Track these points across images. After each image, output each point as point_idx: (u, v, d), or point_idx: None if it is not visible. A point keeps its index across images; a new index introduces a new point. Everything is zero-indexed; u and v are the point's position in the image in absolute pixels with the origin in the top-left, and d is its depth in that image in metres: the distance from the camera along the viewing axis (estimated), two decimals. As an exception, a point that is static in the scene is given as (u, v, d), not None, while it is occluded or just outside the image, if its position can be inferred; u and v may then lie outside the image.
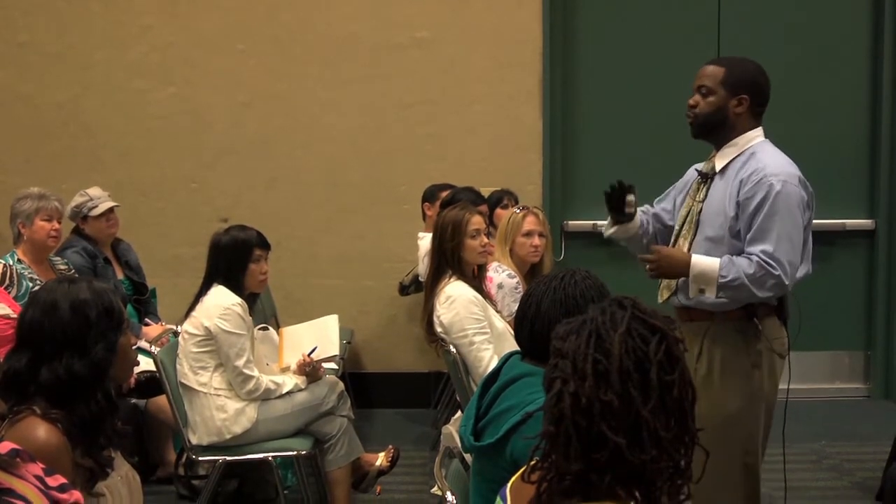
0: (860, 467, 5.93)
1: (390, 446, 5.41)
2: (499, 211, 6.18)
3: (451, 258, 4.92)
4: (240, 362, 4.71)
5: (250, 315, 4.86)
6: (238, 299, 4.75)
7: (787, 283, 3.77)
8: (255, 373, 4.76)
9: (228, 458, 4.81)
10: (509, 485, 2.11)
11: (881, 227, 7.38)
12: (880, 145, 7.33)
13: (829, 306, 7.47)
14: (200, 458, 4.89)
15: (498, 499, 2.12)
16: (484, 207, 5.81)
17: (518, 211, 5.45)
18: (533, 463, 1.97)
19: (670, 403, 1.89)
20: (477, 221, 5.02)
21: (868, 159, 7.43)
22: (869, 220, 7.46)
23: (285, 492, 5.07)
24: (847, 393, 7.56)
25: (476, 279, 4.96)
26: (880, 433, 5.91)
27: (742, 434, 3.97)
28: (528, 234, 5.35)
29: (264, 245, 4.91)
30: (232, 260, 4.82)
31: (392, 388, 7.19)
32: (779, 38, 7.34)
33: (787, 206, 3.75)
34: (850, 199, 7.44)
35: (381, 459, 5.32)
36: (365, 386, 7.11)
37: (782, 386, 7.45)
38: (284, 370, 5.03)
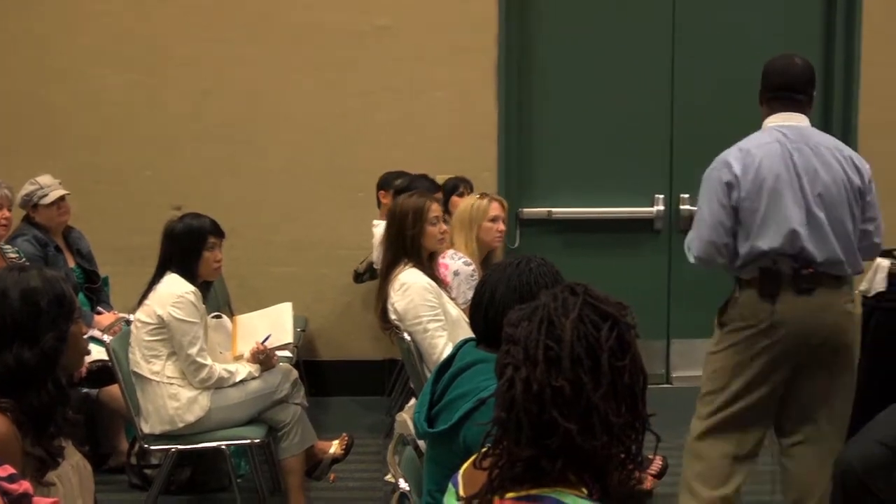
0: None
1: (344, 434, 5.41)
2: (454, 198, 6.17)
3: (411, 245, 4.91)
4: (193, 350, 4.68)
5: (203, 303, 4.83)
6: (191, 287, 4.72)
7: (691, 259, 4.28)
8: (209, 361, 4.74)
9: (181, 446, 4.79)
10: (461, 471, 2.11)
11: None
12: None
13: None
14: (153, 447, 4.86)
15: (450, 485, 2.12)
16: (440, 195, 5.80)
17: (480, 197, 5.46)
18: (484, 450, 1.97)
19: (621, 389, 1.89)
20: (436, 209, 5.05)
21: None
22: (821, 208, 7.51)
23: (238, 480, 5.06)
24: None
25: (429, 266, 4.96)
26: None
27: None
28: (494, 219, 5.37)
29: (218, 233, 4.89)
30: (186, 248, 4.79)
31: (347, 376, 7.18)
32: (734, 26, 7.38)
33: (704, 189, 4.25)
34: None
35: (334, 447, 5.32)
36: (319, 374, 7.09)
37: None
38: (238, 358, 5.01)
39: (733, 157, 4.19)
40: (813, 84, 4.29)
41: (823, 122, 7.41)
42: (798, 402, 4.24)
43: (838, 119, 7.39)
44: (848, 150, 4.19)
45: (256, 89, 7.08)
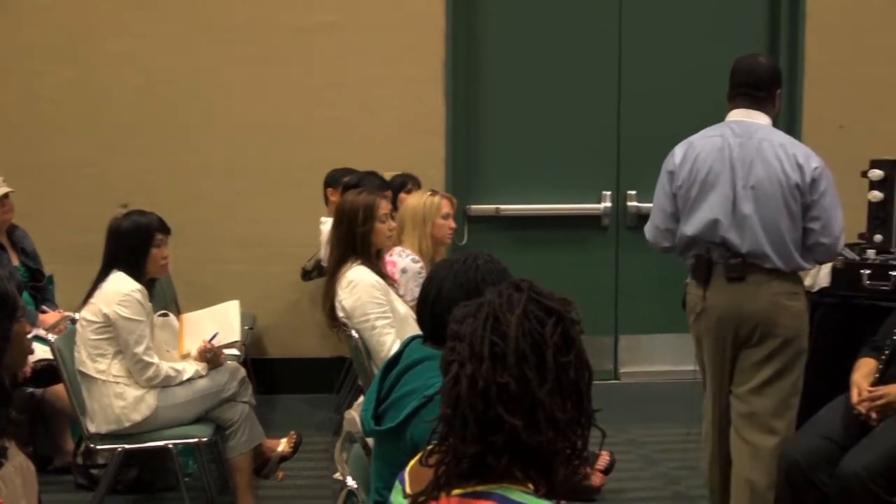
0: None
1: (292, 432, 5.39)
2: (402, 195, 6.17)
3: (361, 243, 4.89)
4: (139, 349, 4.65)
5: (149, 301, 4.80)
6: (137, 285, 4.69)
7: (649, 240, 4.60)
8: (155, 359, 4.71)
9: (127, 446, 4.75)
10: (408, 468, 2.11)
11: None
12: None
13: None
14: (99, 447, 4.82)
15: (396, 483, 2.11)
16: (389, 193, 5.80)
17: (431, 193, 5.46)
18: (430, 447, 1.97)
19: (566, 385, 1.89)
20: (386, 206, 5.05)
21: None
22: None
23: (186, 479, 5.03)
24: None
25: (377, 264, 4.95)
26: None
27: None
28: (446, 216, 5.39)
29: (165, 229, 4.86)
30: (134, 245, 4.76)
31: (295, 374, 7.16)
32: (681, 24, 7.43)
33: (659, 177, 4.49)
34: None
35: (283, 445, 5.30)
36: (268, 372, 7.07)
37: (683, 368, 7.57)
38: (185, 357, 4.98)
39: (679, 147, 4.44)
40: (776, 83, 4.44)
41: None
42: (735, 386, 4.38)
43: (783, 116, 7.45)
44: (795, 149, 4.26)
45: (200, 85, 7.04)
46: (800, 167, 4.19)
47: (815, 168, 4.20)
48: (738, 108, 4.40)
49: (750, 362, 4.30)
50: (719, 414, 4.47)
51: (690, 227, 4.30)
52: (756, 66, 4.44)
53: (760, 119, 4.36)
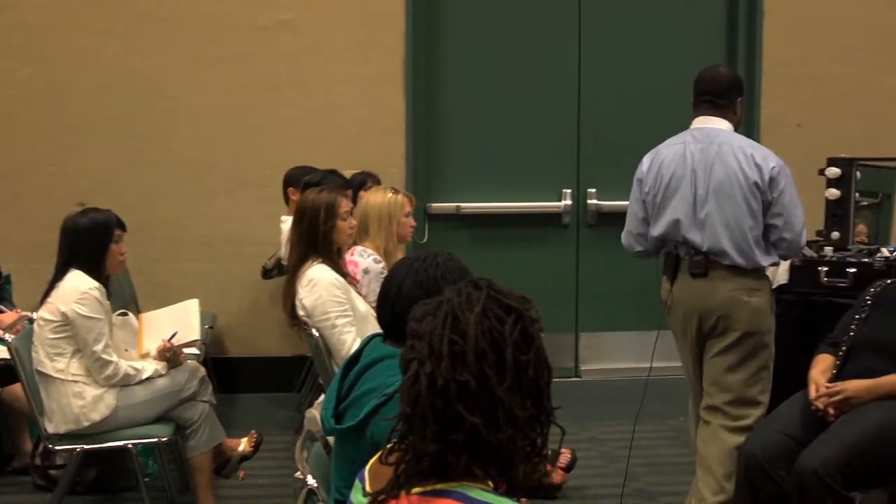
0: (717, 443, 6.06)
1: (253, 431, 5.37)
2: (362, 193, 6.15)
3: (323, 241, 4.88)
4: (98, 347, 4.62)
5: (107, 300, 4.77)
6: (95, 283, 4.66)
7: (624, 245, 4.78)
8: (114, 358, 4.67)
9: (86, 446, 4.71)
10: (368, 467, 2.10)
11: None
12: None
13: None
14: (57, 447, 4.77)
15: (356, 481, 2.11)
16: (350, 192, 5.78)
17: (393, 191, 5.45)
18: (390, 445, 1.97)
19: (526, 383, 1.90)
20: (347, 204, 5.04)
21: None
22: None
23: (146, 479, 5.00)
24: (705, 371, 7.72)
25: (338, 262, 4.94)
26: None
27: None
28: (408, 214, 5.39)
29: (122, 225, 4.84)
30: (93, 242, 4.73)
31: (256, 373, 7.14)
32: (639, 24, 7.47)
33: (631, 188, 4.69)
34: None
35: (243, 445, 5.28)
36: (228, 371, 7.04)
37: (644, 365, 7.61)
38: (144, 356, 4.95)
39: (647, 157, 4.66)
40: (736, 91, 4.65)
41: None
42: (704, 378, 4.59)
43: (742, 115, 7.50)
44: (753, 150, 4.44)
45: (158, 83, 7.00)
46: (758, 166, 4.35)
47: (773, 167, 4.34)
48: (700, 115, 4.61)
49: (711, 353, 4.51)
50: (696, 401, 4.73)
51: (657, 228, 4.53)
52: (717, 76, 4.65)
53: (721, 125, 4.54)
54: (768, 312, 4.48)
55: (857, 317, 4.20)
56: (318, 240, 4.88)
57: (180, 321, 5.14)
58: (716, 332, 4.45)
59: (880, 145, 6.45)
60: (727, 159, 4.38)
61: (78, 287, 4.64)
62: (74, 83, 6.97)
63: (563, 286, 7.52)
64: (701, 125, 4.57)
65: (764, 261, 4.43)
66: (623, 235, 4.78)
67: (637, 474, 5.60)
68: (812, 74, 7.33)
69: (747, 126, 7.44)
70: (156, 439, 4.80)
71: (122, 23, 6.95)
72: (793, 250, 4.52)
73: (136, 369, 4.74)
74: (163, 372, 4.82)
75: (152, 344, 4.97)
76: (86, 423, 4.64)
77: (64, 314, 4.61)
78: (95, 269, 4.71)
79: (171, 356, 4.89)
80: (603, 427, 6.37)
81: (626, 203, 7.34)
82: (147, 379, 4.76)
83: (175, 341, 4.93)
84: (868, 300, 4.22)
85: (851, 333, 4.16)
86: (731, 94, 4.62)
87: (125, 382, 4.70)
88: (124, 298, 6.25)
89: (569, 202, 7.48)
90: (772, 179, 4.34)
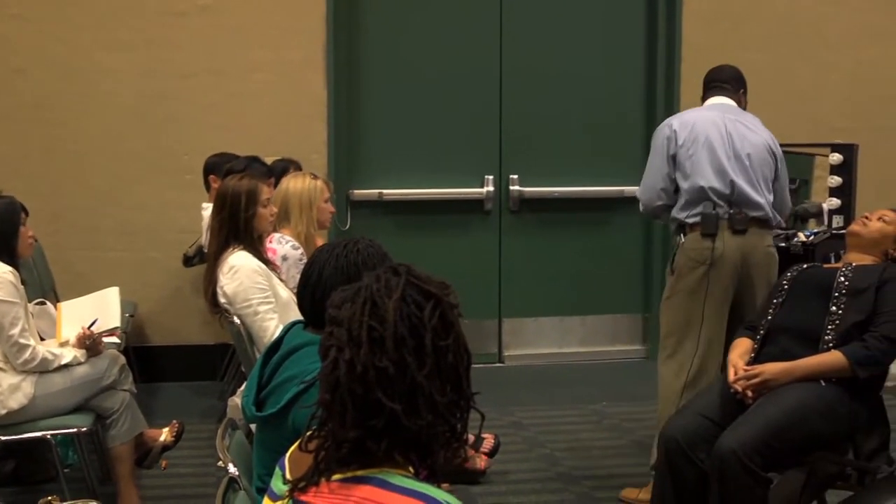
0: (639, 426, 6.14)
1: (174, 421, 5.34)
2: (284, 181, 6.12)
3: (245, 228, 4.84)
4: (14, 331, 4.53)
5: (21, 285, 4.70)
6: (8, 268, 4.57)
7: (641, 208, 5.11)
8: (31, 342, 4.59)
9: (3, 437, 4.63)
10: (288, 454, 2.09)
11: (657, 194, 7.62)
12: (655, 118, 7.57)
13: (609, 271, 7.72)
14: (-26, 439, 4.71)
15: (277, 469, 2.10)
16: (272, 179, 5.76)
17: (312, 177, 5.42)
18: (310, 433, 1.97)
19: (445, 369, 1.90)
20: (268, 191, 5.01)
21: (644, 130, 7.66)
22: (646, 187, 7.70)
23: (66, 471, 4.93)
24: (627, 355, 7.82)
25: (259, 249, 4.91)
26: (656, 392, 6.09)
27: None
28: (328, 200, 5.36)
29: (24, 209, 4.78)
30: (3, 227, 4.66)
31: (178, 361, 7.09)
32: (560, 11, 7.50)
33: (652, 145, 5.02)
34: (627, 166, 7.66)
35: (165, 434, 5.24)
36: (150, 359, 6.99)
37: (566, 350, 7.67)
38: (63, 345, 4.87)
39: (674, 117, 5.04)
40: (739, 82, 5.14)
41: (647, 106, 7.62)
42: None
43: (662, 99, 7.58)
44: (767, 133, 4.99)
45: (72, 69, 6.90)
46: (772, 139, 4.97)
47: (778, 147, 4.99)
48: (711, 97, 5.09)
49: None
50: (705, 359, 4.85)
51: (703, 179, 4.80)
52: (722, 68, 5.21)
53: (733, 104, 5.05)
54: None
55: (774, 301, 4.26)
56: (239, 227, 4.84)
57: (100, 309, 5.08)
58: (749, 284, 4.81)
59: (796, 132, 6.57)
60: (756, 131, 4.92)
61: (-9, 272, 4.56)
62: (-14, 69, 6.86)
63: (485, 272, 7.55)
64: (716, 102, 5.05)
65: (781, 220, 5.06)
66: (643, 190, 5.05)
67: (560, 458, 5.65)
68: (729, 61, 7.37)
69: (667, 113, 7.51)
70: (75, 429, 4.72)
71: (36, 7, 6.84)
72: (782, 219, 5.10)
73: (54, 355, 4.66)
74: (82, 360, 4.75)
75: (71, 332, 4.90)
76: (3, 412, 4.55)
77: (-23, 301, 4.53)
78: (8, 254, 4.64)
79: (90, 344, 4.82)
80: (526, 412, 6.41)
81: (549, 189, 7.49)
82: (66, 367, 4.68)
83: (95, 329, 4.87)
84: (785, 284, 4.28)
85: (769, 317, 4.21)
86: (735, 83, 5.11)
87: (43, 368, 4.62)
88: (42, 288, 6.17)
89: (491, 188, 7.50)
90: (778, 156, 4.95)
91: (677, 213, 4.90)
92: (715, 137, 4.83)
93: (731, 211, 4.77)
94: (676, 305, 4.93)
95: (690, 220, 4.85)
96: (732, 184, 4.78)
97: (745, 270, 4.80)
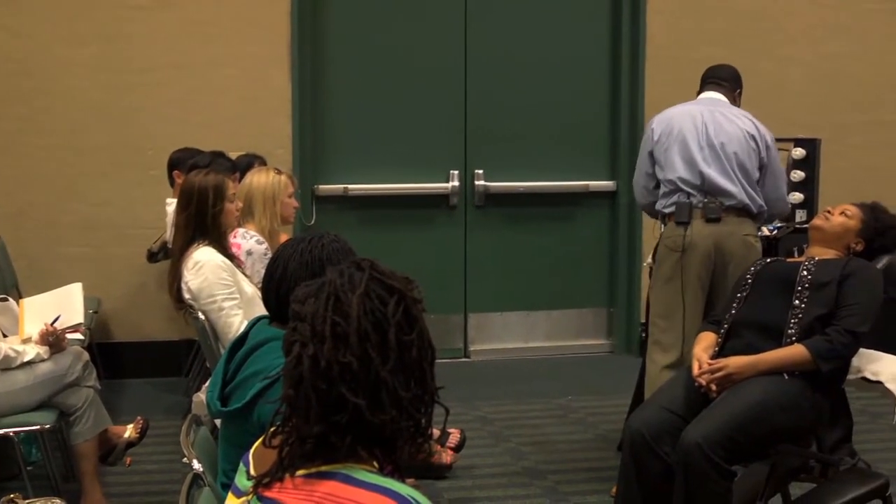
0: (604, 420, 6.16)
1: (139, 417, 5.30)
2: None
3: (213, 223, 4.82)
4: (-25, 327, 4.51)
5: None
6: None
7: (637, 199, 5.35)
8: (-7, 338, 4.57)
9: (-34, 434, 4.61)
10: (252, 450, 2.09)
11: (621, 188, 7.66)
12: (620, 114, 7.62)
13: (574, 266, 7.74)
14: (-66, 437, 4.67)
15: (241, 465, 2.10)
16: (237, 174, 5.74)
17: (277, 172, 5.40)
18: (273, 428, 1.96)
19: (409, 363, 1.90)
20: (233, 186, 4.99)
21: (609, 126, 7.70)
22: (610, 182, 7.73)
23: (29, 468, 4.89)
24: (592, 349, 7.84)
25: (224, 244, 4.89)
26: (621, 387, 6.14)
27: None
28: (291, 195, 5.34)
29: None
30: None
31: (142, 358, 7.06)
32: (524, 10, 7.51)
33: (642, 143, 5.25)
34: (592, 162, 7.69)
35: (129, 431, 5.20)
36: (114, 356, 6.95)
37: (532, 344, 7.69)
38: (26, 342, 4.84)
39: (656, 116, 5.19)
40: (736, 81, 5.29)
41: (612, 102, 7.64)
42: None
43: (626, 96, 7.60)
44: (751, 123, 5.04)
45: (33, 64, 6.84)
46: (758, 129, 5.02)
47: (767, 137, 5.05)
48: (706, 91, 5.22)
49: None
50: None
51: (674, 171, 4.94)
52: (721, 66, 5.34)
53: (725, 99, 5.16)
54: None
55: (738, 295, 4.28)
56: (206, 222, 4.81)
57: (63, 305, 5.04)
58: (728, 273, 4.83)
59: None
60: (733, 120, 4.99)
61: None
62: (-58, 64, 6.80)
63: (451, 267, 7.55)
64: (706, 96, 5.18)
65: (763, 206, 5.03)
66: (633, 187, 5.34)
67: (525, 453, 5.66)
68: (692, 58, 7.41)
69: (632, 109, 7.55)
70: (38, 427, 4.68)
71: (-4, 3, 6.79)
72: (777, 210, 5.18)
73: (16, 351, 4.63)
74: (45, 356, 4.71)
75: (34, 328, 4.86)
76: (-35, 410, 4.53)
77: (-59, 297, 4.50)
78: None
79: (53, 340, 4.78)
80: (491, 406, 6.42)
81: (514, 184, 7.52)
82: (29, 364, 4.65)
83: (58, 325, 4.83)
84: (748, 278, 4.30)
85: (733, 311, 4.24)
86: (732, 81, 5.25)
87: (5, 365, 4.58)
88: (5, 284, 6.13)
89: (456, 183, 7.50)
90: (767, 146, 5.01)
91: (658, 205, 5.08)
92: (689, 129, 4.95)
93: (705, 200, 4.88)
94: (657, 293, 5.07)
95: (667, 210, 5.01)
96: (702, 174, 4.87)
97: (719, 259, 4.87)
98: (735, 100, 5.23)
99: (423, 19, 7.40)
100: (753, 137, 4.96)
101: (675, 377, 4.30)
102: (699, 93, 5.26)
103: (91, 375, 4.92)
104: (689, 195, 4.91)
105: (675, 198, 4.95)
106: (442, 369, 1.98)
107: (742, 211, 4.93)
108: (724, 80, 5.23)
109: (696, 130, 4.95)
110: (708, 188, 4.89)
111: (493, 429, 6.05)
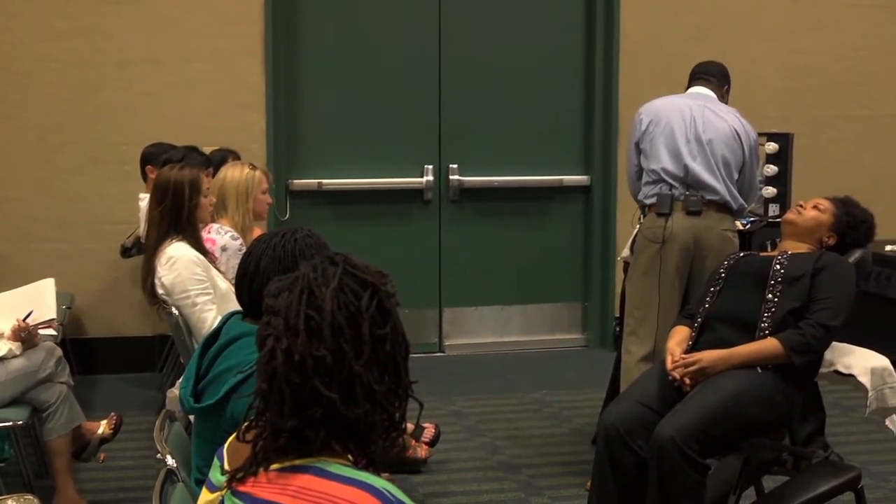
0: (578, 414, 6.18)
1: (112, 414, 5.28)
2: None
3: (188, 218, 4.80)
4: (-52, 324, 4.48)
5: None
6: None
7: (630, 188, 5.28)
8: (-34, 333, 4.54)
9: (-63, 431, 4.59)
10: (226, 445, 2.09)
11: (595, 183, 7.68)
12: (594, 109, 7.63)
13: (548, 260, 7.76)
14: None
15: (215, 460, 2.09)
16: (210, 169, 5.71)
17: (251, 167, 5.38)
18: (247, 423, 1.96)
19: (383, 357, 1.90)
20: (208, 180, 4.98)
21: (583, 121, 7.71)
22: (584, 177, 7.75)
23: (1, 465, 4.89)
24: (566, 343, 7.86)
25: (199, 239, 4.87)
26: (596, 381, 6.16)
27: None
28: (265, 191, 5.33)
29: None
30: None
31: (117, 353, 7.03)
32: (499, 4, 7.52)
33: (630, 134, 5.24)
34: (567, 156, 7.70)
35: (103, 427, 5.17)
36: (88, 352, 6.93)
37: (507, 339, 7.70)
38: (-3, 338, 4.82)
39: (644, 106, 5.20)
40: (724, 78, 5.33)
41: (586, 96, 7.66)
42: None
43: (601, 91, 7.62)
44: (738, 121, 5.06)
45: (6, 58, 6.82)
46: (743, 126, 5.04)
47: (753, 136, 5.10)
48: (694, 86, 5.25)
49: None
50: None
51: (658, 162, 4.97)
52: (710, 62, 5.39)
53: (712, 95, 5.18)
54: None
55: (712, 289, 4.29)
56: (182, 217, 4.79)
57: (35, 301, 5.01)
58: (706, 266, 4.82)
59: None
60: (722, 117, 5.02)
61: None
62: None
63: (425, 262, 7.56)
64: (694, 91, 5.21)
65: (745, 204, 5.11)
66: (629, 186, 5.31)
67: (500, 447, 5.67)
68: (666, 53, 7.48)
69: (606, 104, 7.57)
70: (11, 423, 4.66)
71: (-33, -2, 6.75)
72: (749, 201, 5.22)
73: (-12, 347, 4.61)
74: (17, 352, 4.69)
75: (6, 324, 4.82)
76: (-63, 406, 4.50)
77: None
78: None
79: (26, 336, 4.75)
80: (466, 401, 6.43)
81: (488, 178, 7.53)
82: (1, 360, 4.63)
83: (30, 321, 4.80)
84: (722, 273, 4.32)
85: (707, 305, 4.25)
86: (720, 78, 5.29)
87: (-23, 362, 4.57)
88: (-23, 280, 6.09)
89: (430, 178, 7.50)
90: (750, 146, 5.04)
91: (640, 195, 5.11)
92: (677, 122, 4.98)
93: (687, 192, 4.91)
94: (634, 284, 5.07)
95: (648, 201, 5.02)
96: (686, 167, 4.90)
97: (697, 252, 4.90)
98: (723, 96, 5.26)
99: (397, 14, 7.40)
100: (738, 136, 4.99)
101: (650, 371, 4.31)
102: (688, 87, 5.28)
103: (64, 371, 4.89)
104: (671, 187, 4.93)
105: (657, 188, 4.97)
106: (417, 364, 1.99)
107: (722, 207, 4.96)
108: (713, 76, 5.27)
109: (685, 123, 4.97)
110: (691, 181, 4.91)
111: (468, 423, 6.05)
